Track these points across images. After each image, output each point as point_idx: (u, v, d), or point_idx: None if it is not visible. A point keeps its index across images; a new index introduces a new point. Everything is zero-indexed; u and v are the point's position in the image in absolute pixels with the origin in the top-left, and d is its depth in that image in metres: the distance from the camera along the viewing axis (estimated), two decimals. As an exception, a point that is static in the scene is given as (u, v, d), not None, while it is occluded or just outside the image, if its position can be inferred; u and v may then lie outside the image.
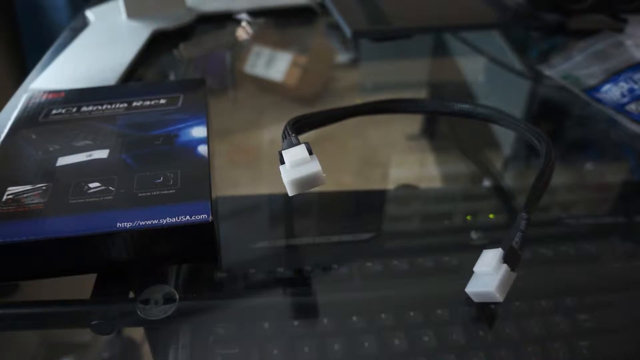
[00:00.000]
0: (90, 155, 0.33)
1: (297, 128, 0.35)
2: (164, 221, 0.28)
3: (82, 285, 0.30)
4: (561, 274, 0.32)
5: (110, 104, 0.39)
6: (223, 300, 0.30)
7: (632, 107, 0.45)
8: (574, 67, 0.53)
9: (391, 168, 0.44)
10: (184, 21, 0.63)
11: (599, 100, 0.48)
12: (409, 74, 0.60)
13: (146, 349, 0.28)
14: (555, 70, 0.54)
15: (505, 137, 0.46)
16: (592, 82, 0.50)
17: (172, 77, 0.55)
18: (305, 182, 0.28)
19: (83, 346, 0.29)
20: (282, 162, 0.30)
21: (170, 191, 0.30)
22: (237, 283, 0.31)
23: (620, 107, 0.46)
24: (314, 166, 0.29)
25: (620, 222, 0.37)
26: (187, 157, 0.33)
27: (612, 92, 0.47)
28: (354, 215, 0.38)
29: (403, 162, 0.45)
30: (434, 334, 0.28)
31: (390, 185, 0.42)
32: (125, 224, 0.28)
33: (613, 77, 0.49)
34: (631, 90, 0.46)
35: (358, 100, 0.42)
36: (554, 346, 0.27)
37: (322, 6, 0.69)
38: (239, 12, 0.68)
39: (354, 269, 0.32)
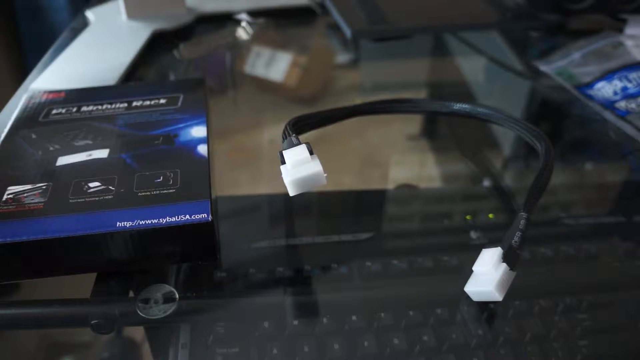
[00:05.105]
0: (90, 155, 0.33)
1: (297, 128, 0.35)
2: (164, 221, 0.28)
3: (82, 285, 0.30)
4: (561, 274, 0.32)
5: (110, 104, 0.39)
6: (223, 300, 0.30)
7: (621, 104, 0.45)
8: (570, 64, 0.54)
9: (391, 168, 0.44)
10: (184, 21, 0.63)
11: (590, 97, 0.48)
12: (409, 74, 0.60)
13: (146, 348, 0.28)
14: (551, 66, 0.54)
15: (505, 137, 0.46)
16: (586, 79, 0.50)
17: (172, 77, 0.55)
18: (306, 182, 0.28)
19: (83, 346, 0.29)
20: (283, 162, 0.30)
21: (170, 191, 0.30)
22: (237, 283, 0.31)
23: (609, 104, 0.46)
24: (314, 166, 0.29)
25: (620, 221, 0.37)
26: (187, 157, 0.33)
27: (605, 89, 0.48)
28: (354, 215, 0.38)
29: (403, 162, 0.45)
30: (434, 333, 0.28)
31: (390, 185, 0.42)
32: (125, 223, 0.28)
33: (608, 75, 0.49)
34: (624, 89, 0.46)
35: (358, 100, 0.42)
36: (553, 346, 0.27)
37: (322, 6, 0.69)
38: (239, 12, 0.68)
39: (354, 269, 0.32)
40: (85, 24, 0.62)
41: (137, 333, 0.29)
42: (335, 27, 0.64)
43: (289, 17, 0.69)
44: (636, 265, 0.33)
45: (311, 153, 0.29)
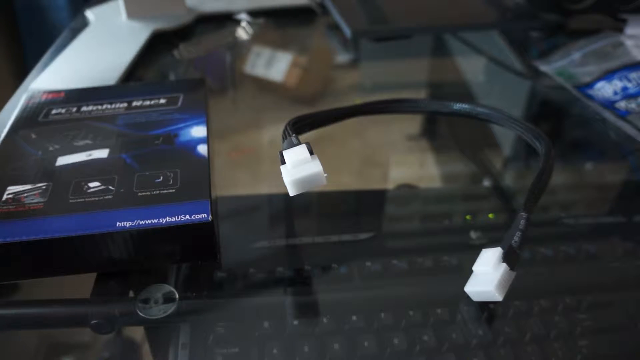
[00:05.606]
0: (90, 155, 0.33)
1: (297, 128, 0.34)
2: (164, 221, 0.28)
3: (82, 285, 0.30)
4: (561, 274, 0.32)
5: (110, 104, 0.39)
6: (223, 300, 0.30)
7: (621, 104, 0.45)
8: (570, 64, 0.54)
9: (391, 168, 0.44)
10: (184, 21, 0.63)
11: (590, 97, 0.48)
12: (409, 74, 0.60)
13: (146, 348, 0.28)
14: (551, 66, 0.54)
15: (505, 137, 0.46)
16: (586, 79, 0.50)
17: (172, 77, 0.55)
18: (306, 182, 0.28)
19: (83, 346, 0.29)
20: (283, 162, 0.30)
21: (170, 191, 0.30)
22: (237, 283, 0.31)
23: (609, 104, 0.46)
24: (315, 166, 0.28)
25: (620, 221, 0.37)
26: (187, 157, 0.33)
27: (605, 89, 0.48)
28: (354, 215, 0.38)
29: (403, 162, 0.45)
30: (434, 333, 0.28)
31: (390, 185, 0.42)
32: (125, 223, 0.28)
33: (607, 75, 0.49)
34: (624, 89, 0.46)
35: (358, 100, 0.42)
36: (553, 346, 0.27)
37: (322, 6, 0.69)
38: (239, 12, 0.68)
39: (354, 268, 0.32)
40: (85, 24, 0.62)
41: (137, 333, 0.29)
42: (335, 27, 0.64)
43: (289, 17, 0.69)
44: (636, 265, 0.33)
45: (311, 153, 0.29)
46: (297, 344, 0.27)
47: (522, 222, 0.28)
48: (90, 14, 0.64)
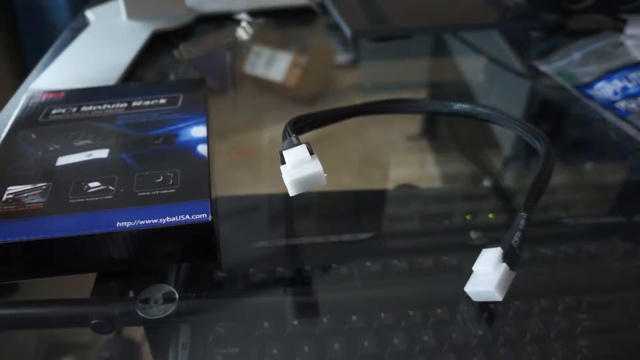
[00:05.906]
0: (90, 155, 0.33)
1: (297, 128, 0.34)
2: (164, 221, 0.28)
3: (82, 285, 0.30)
4: (561, 274, 0.32)
5: (110, 104, 0.39)
6: (223, 300, 0.30)
7: (621, 104, 0.45)
8: (570, 64, 0.54)
9: (391, 168, 0.44)
10: (184, 21, 0.63)
11: (590, 97, 0.48)
12: (409, 74, 0.60)
13: (146, 348, 0.28)
14: (551, 66, 0.54)
15: (505, 137, 0.46)
16: (586, 79, 0.50)
17: (172, 77, 0.55)
18: (306, 182, 0.28)
19: (83, 346, 0.29)
20: (283, 162, 0.30)
21: (170, 191, 0.30)
22: (237, 283, 0.31)
23: (609, 104, 0.46)
24: (315, 166, 0.29)
25: (620, 221, 0.37)
26: (187, 157, 0.33)
27: (605, 89, 0.48)
28: (354, 215, 0.38)
29: (403, 162, 0.45)
30: (434, 333, 0.28)
31: (390, 185, 0.42)
32: (125, 223, 0.28)
33: (608, 75, 0.49)
34: (624, 89, 0.46)
35: (358, 100, 0.42)
36: (553, 346, 0.27)
37: (322, 6, 0.69)
38: (239, 12, 0.68)
39: (353, 268, 0.32)
40: (85, 24, 0.62)
41: (137, 333, 0.29)
42: (335, 27, 0.64)
43: (289, 17, 0.69)
44: (636, 265, 0.33)
45: (311, 153, 0.29)
46: (297, 344, 0.27)
47: (522, 222, 0.28)
48: (90, 14, 0.64)
